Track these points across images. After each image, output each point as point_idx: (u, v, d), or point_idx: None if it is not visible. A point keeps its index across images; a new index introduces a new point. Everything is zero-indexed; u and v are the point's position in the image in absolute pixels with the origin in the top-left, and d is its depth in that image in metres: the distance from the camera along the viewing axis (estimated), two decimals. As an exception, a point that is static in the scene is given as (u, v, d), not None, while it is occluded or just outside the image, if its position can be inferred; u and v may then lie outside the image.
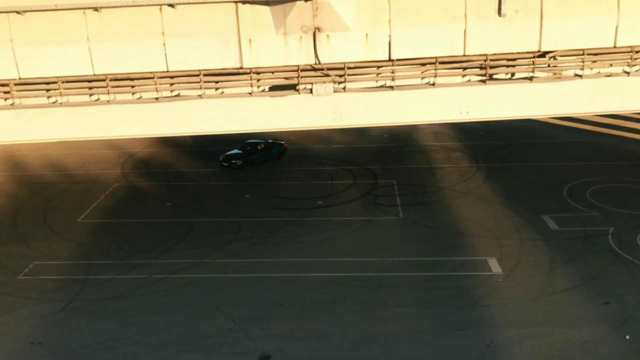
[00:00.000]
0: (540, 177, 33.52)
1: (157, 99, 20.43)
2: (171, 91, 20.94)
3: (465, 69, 20.71)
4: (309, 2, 18.30)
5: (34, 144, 43.82)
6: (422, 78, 20.42)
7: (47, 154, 40.99)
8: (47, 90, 21.79)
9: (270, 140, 39.08)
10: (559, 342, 19.37)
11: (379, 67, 20.55)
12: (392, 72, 20.12)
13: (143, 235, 28.09)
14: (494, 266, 24.14)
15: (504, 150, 38.58)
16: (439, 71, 19.64)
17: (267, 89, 20.44)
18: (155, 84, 20.35)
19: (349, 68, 20.47)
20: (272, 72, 20.61)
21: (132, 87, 20.37)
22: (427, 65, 20.22)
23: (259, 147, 37.46)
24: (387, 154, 38.78)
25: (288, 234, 27.63)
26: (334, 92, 19.15)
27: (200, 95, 20.50)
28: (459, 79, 20.63)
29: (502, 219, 28.45)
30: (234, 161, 36.02)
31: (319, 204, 30.87)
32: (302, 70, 20.54)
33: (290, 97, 19.48)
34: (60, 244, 27.36)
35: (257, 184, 33.94)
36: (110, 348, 19.97)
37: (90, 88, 21.06)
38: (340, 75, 20.16)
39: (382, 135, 43.23)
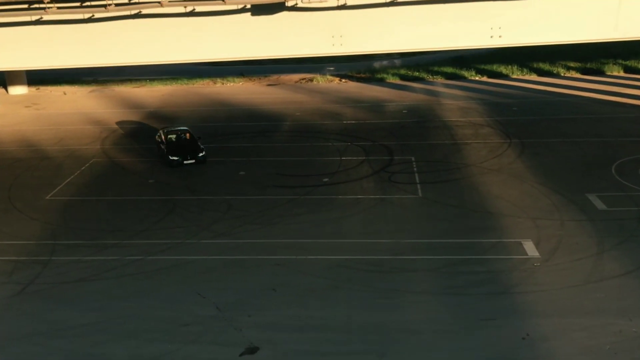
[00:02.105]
0: (584, 153, 31.29)
1: (106, 7, 17.39)
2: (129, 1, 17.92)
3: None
4: None
5: (6, 118, 42.46)
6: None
7: (21, 130, 39.53)
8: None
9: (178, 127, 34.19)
10: (610, 335, 17.25)
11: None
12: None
13: (120, 213, 26.37)
14: (530, 249, 22.05)
15: (540, 125, 36.36)
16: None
17: (248, 6, 17.51)
18: None
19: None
20: None
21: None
22: None
23: (188, 135, 32.39)
24: (405, 129, 36.76)
25: (286, 213, 25.72)
26: (332, 8, 16.73)
27: (159, 3, 17.70)
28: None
29: (539, 197, 26.31)
30: (200, 155, 31.25)
31: (325, 182, 28.95)
32: None
33: (277, 17, 17.15)
34: (24, 223, 25.72)
35: (254, 161, 32.10)
36: (70, 336, 18.24)
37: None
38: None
39: (400, 111, 41.26)
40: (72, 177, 30.55)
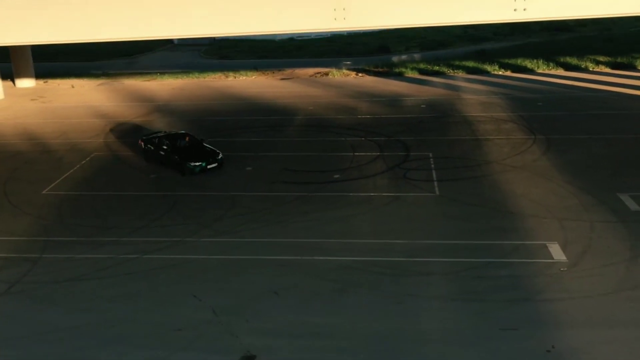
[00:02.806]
0: (614, 150, 29.59)
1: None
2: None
3: None
4: None
5: (10, 111, 41.74)
6: None
7: (24, 123, 38.75)
8: None
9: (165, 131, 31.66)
10: (646, 349, 15.71)
11: None
12: None
13: (118, 209, 25.29)
14: (556, 252, 20.51)
15: (567, 121, 34.69)
16: None
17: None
18: None
19: None
20: None
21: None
22: None
23: (187, 139, 29.79)
24: (423, 124, 35.30)
25: (293, 211, 24.43)
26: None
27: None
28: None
29: (566, 196, 24.72)
30: (219, 157, 28.66)
31: (336, 178, 27.62)
32: None
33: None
34: (17, 218, 24.73)
35: (261, 156, 30.84)
36: (55, 340, 17.10)
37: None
38: None
39: (418, 105, 39.83)
40: (71, 171, 29.57)
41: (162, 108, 41.42)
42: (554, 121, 34.66)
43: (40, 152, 32.42)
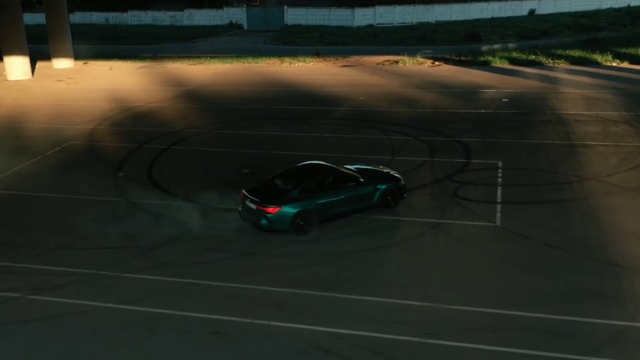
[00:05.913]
0: None
1: None
2: None
3: None
4: None
5: (24, 92, 36.36)
6: None
7: (26, 104, 32.99)
8: None
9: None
10: None
11: None
12: None
13: (47, 218, 18.20)
14: (697, 351, 11.18)
15: None
16: None
17: None
18: None
19: None
20: None
21: None
22: None
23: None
24: (500, 122, 26.08)
25: (276, 238, 16.28)
26: None
27: None
28: None
29: None
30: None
31: (356, 191, 19.13)
32: None
33: None
34: None
35: (271, 155, 22.91)
36: None
37: None
38: None
39: (498, 99, 30.53)
40: (27, 163, 22.94)
41: (189, 93, 34.56)
42: (688, 125, 24.42)
43: (8, 139, 26.15)
